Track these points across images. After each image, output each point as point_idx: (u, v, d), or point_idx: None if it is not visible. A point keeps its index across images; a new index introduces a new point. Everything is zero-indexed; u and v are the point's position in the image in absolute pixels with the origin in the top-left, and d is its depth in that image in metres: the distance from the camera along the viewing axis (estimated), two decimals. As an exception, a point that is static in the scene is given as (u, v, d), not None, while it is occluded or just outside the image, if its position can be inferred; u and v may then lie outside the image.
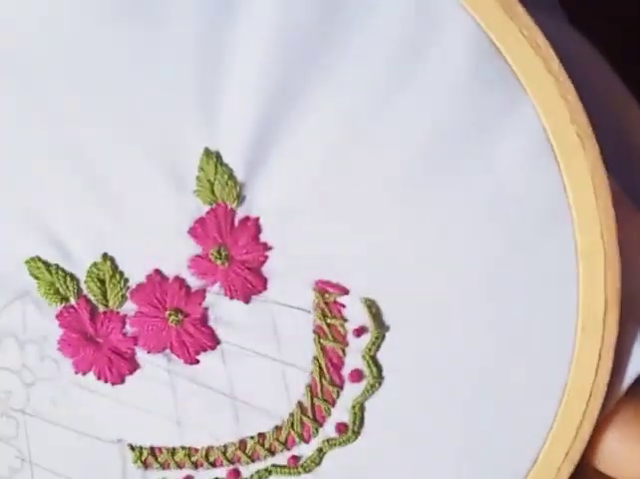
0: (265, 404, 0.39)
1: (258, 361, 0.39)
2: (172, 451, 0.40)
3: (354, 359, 0.38)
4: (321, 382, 0.39)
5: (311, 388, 0.39)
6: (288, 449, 0.39)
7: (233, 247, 0.38)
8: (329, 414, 0.39)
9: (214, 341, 0.39)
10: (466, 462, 0.38)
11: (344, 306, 0.38)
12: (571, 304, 0.37)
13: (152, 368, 0.39)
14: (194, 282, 0.38)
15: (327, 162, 0.37)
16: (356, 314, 0.38)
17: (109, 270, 0.38)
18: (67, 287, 0.39)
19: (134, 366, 0.39)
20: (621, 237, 0.36)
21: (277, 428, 0.39)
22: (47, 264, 0.38)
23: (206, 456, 0.40)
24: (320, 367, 0.39)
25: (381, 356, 0.38)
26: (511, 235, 0.37)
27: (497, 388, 0.38)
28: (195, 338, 0.39)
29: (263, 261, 0.38)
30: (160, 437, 0.40)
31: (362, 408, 0.39)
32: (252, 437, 0.39)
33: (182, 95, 0.36)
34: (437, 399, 0.38)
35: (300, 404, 0.39)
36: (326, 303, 0.38)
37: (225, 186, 0.37)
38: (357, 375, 0.38)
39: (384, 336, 0.38)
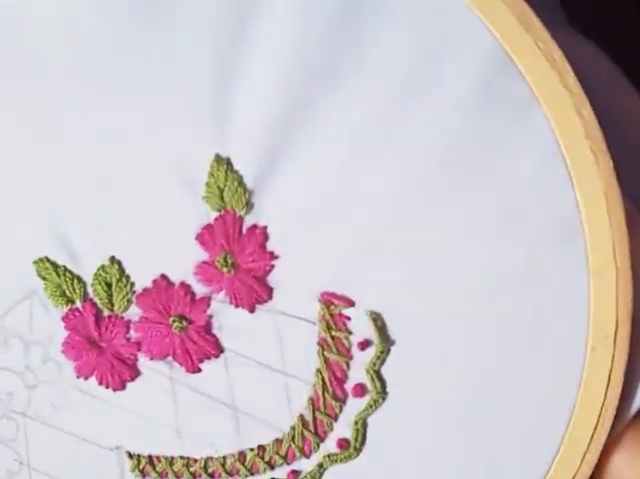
0: (266, 416, 0.38)
1: (261, 371, 0.38)
2: (171, 460, 0.39)
3: (358, 373, 0.38)
4: (324, 396, 0.38)
5: (313, 401, 0.38)
6: (288, 463, 0.39)
7: (240, 255, 0.38)
8: (331, 429, 0.38)
9: (218, 349, 0.38)
10: (468, 481, 0.38)
11: (349, 319, 0.38)
12: (581, 324, 0.36)
13: (153, 375, 0.39)
14: (200, 289, 0.38)
15: (337, 172, 0.37)
16: (361, 327, 0.37)
17: (115, 274, 0.38)
18: (73, 289, 0.38)
19: (135, 373, 0.39)
20: (633, 256, 0.35)
21: (278, 441, 0.39)
22: (55, 266, 0.38)
23: (205, 467, 0.39)
24: (323, 380, 0.38)
25: (385, 371, 0.38)
26: (522, 250, 0.36)
27: (503, 409, 0.37)
28: (199, 346, 0.38)
29: (269, 271, 0.38)
30: (159, 446, 0.39)
31: (364, 424, 0.38)
32: (252, 449, 0.39)
33: (195, 101, 0.36)
34: (440, 418, 0.37)
35: (302, 417, 0.38)
36: (331, 315, 0.38)
37: (235, 193, 0.37)
38: (360, 390, 0.38)
39: (389, 351, 0.37)
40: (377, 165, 0.36)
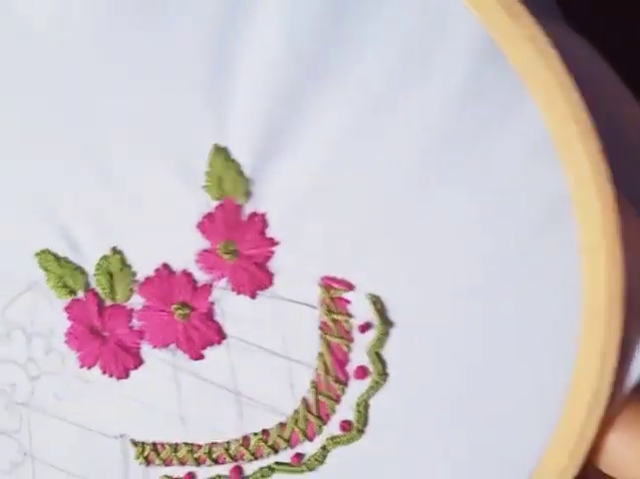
0: (269, 400, 0.39)
1: (263, 357, 0.39)
2: (175, 447, 0.40)
3: (359, 356, 0.39)
4: (326, 379, 0.39)
5: (316, 384, 0.39)
6: (292, 447, 0.39)
7: (241, 243, 0.38)
8: (333, 412, 0.39)
9: (221, 336, 0.39)
10: (470, 460, 0.38)
11: (349, 302, 0.38)
12: (574, 303, 0.37)
13: (156, 363, 0.39)
14: (201, 277, 0.39)
15: (334, 160, 0.37)
16: (361, 310, 0.38)
17: (117, 264, 0.39)
18: (75, 280, 0.39)
19: (139, 361, 0.39)
20: (624, 239, 0.36)
21: (281, 425, 0.39)
22: (57, 257, 0.39)
23: (209, 453, 0.40)
24: (325, 363, 0.39)
25: (385, 353, 0.38)
26: (515, 232, 0.37)
27: (501, 387, 0.38)
28: (202, 332, 0.39)
29: (270, 257, 0.38)
30: (163, 433, 0.40)
31: (366, 406, 0.39)
32: (256, 434, 0.39)
33: (192, 91, 0.37)
34: (440, 397, 0.38)
35: (305, 401, 0.39)
36: (331, 299, 0.38)
37: (234, 181, 0.38)
38: (362, 372, 0.39)
39: (389, 333, 0.38)
40: (372, 151, 0.37)
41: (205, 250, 0.38)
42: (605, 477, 0.39)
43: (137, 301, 0.39)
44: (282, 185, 0.38)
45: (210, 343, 0.39)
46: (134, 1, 0.36)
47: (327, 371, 0.39)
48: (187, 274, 0.39)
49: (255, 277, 0.38)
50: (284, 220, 0.38)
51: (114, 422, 0.40)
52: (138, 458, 0.40)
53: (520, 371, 0.38)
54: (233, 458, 0.40)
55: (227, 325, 0.39)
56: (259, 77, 0.37)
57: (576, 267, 0.37)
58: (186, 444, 0.40)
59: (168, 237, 0.38)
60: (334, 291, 0.38)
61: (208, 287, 0.39)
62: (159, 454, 0.40)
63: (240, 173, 0.38)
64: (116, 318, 0.39)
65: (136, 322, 0.39)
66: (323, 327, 0.39)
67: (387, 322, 0.38)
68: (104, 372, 0.39)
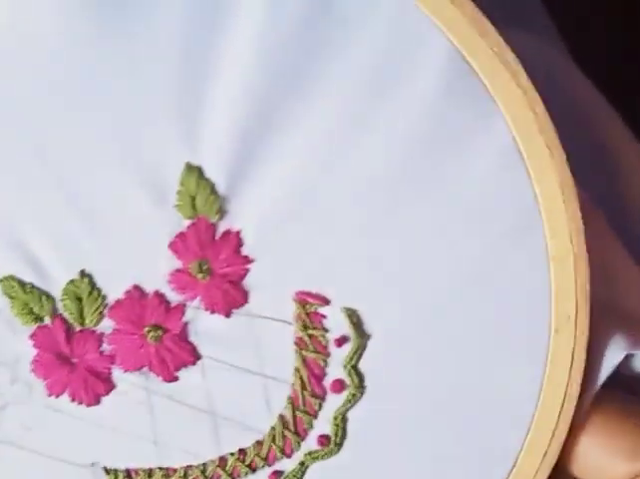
0: (246, 419, 0.39)
1: (239, 375, 0.38)
2: (149, 473, 0.39)
3: (336, 370, 0.39)
4: (302, 394, 0.39)
5: (293, 400, 0.39)
6: (269, 465, 0.39)
7: (214, 261, 0.38)
8: (311, 427, 0.39)
9: (195, 356, 0.38)
10: (447, 468, 0.39)
11: (325, 317, 0.38)
12: (544, 308, 0.38)
13: (128, 387, 0.38)
14: (174, 297, 0.38)
15: (308, 175, 0.37)
16: (337, 324, 0.38)
17: (86, 288, 0.38)
18: (42, 307, 0.38)
19: (110, 386, 0.38)
20: (589, 243, 0.38)
21: (258, 443, 0.39)
22: (21, 283, 0.37)
23: (185, 476, 0.39)
24: (301, 379, 0.39)
25: (362, 366, 0.39)
26: (485, 242, 0.38)
27: (476, 395, 0.39)
28: (175, 354, 0.38)
29: (245, 274, 0.38)
30: (137, 458, 0.39)
31: (344, 419, 0.39)
32: (232, 454, 0.39)
33: (164, 109, 0.37)
34: (418, 407, 0.39)
35: (282, 417, 0.39)
36: (307, 314, 0.38)
37: (207, 200, 0.37)
38: (339, 385, 0.39)
39: (365, 346, 0.39)
40: (346, 166, 0.38)
41: (178, 270, 0.38)
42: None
43: (107, 325, 0.38)
44: (257, 202, 0.37)
45: (184, 365, 0.38)
46: (103, 17, 0.36)
47: (304, 386, 0.39)
48: (160, 295, 0.38)
49: (229, 296, 0.38)
50: (259, 236, 0.38)
51: (85, 450, 0.39)
52: (110, 486, 0.39)
53: (495, 377, 0.39)
54: (210, 480, 0.39)
55: (202, 346, 0.38)
56: (232, 94, 0.36)
57: (546, 273, 0.38)
58: (161, 469, 0.39)
59: (139, 257, 0.38)
60: (309, 306, 0.38)
61: (182, 308, 0.38)
62: (132, 480, 0.39)
63: (214, 191, 0.37)
64: (85, 344, 0.38)
65: (106, 347, 0.38)
66: (299, 343, 0.39)
67: (363, 335, 0.39)
68: (73, 400, 0.38)
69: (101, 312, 0.38)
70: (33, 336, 0.38)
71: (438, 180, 0.38)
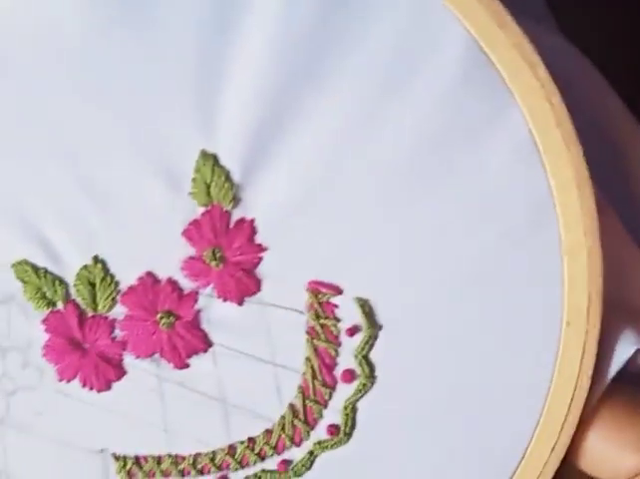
0: (256, 407, 0.39)
1: (250, 363, 0.38)
2: (158, 459, 0.39)
3: (347, 359, 0.39)
4: (313, 383, 0.39)
5: (303, 390, 0.39)
6: (278, 454, 0.39)
7: (228, 249, 0.38)
8: (321, 416, 0.39)
9: (207, 344, 0.38)
10: (455, 459, 0.39)
11: (337, 306, 0.38)
12: (557, 301, 0.38)
13: (139, 374, 0.38)
14: (187, 284, 0.38)
15: (322, 165, 0.37)
16: (349, 314, 0.38)
17: (99, 273, 0.38)
18: (55, 291, 0.38)
19: (121, 372, 0.38)
20: (602, 238, 0.38)
21: (267, 432, 0.39)
22: (35, 268, 0.37)
23: (194, 463, 0.39)
24: (312, 368, 0.39)
25: (373, 356, 0.39)
26: (500, 234, 0.38)
27: (487, 386, 0.39)
28: (187, 341, 0.38)
29: (258, 263, 0.38)
30: (146, 445, 0.39)
31: (354, 409, 0.39)
32: (242, 442, 0.39)
33: (181, 97, 0.37)
34: (428, 397, 0.39)
35: (292, 406, 0.39)
36: (319, 304, 0.38)
37: (222, 187, 0.37)
38: (349, 375, 0.39)
39: (377, 336, 0.39)
40: (360, 156, 0.38)
41: (191, 258, 0.38)
42: (584, 477, 0.40)
43: (119, 311, 0.38)
44: (271, 191, 0.37)
45: (196, 352, 0.38)
46: (122, 12, 0.36)
47: (314, 376, 0.39)
48: (173, 282, 0.38)
49: (242, 284, 0.38)
50: (273, 225, 0.38)
51: (94, 436, 0.39)
52: (119, 472, 0.39)
53: (505, 369, 0.39)
54: (219, 468, 0.39)
55: (213, 333, 0.38)
56: (250, 84, 0.36)
57: (559, 266, 0.38)
58: (170, 456, 0.39)
59: (153, 244, 0.38)
60: (322, 296, 0.38)
61: (194, 295, 0.38)
62: (141, 467, 0.39)
63: (228, 179, 0.37)
64: (97, 329, 0.38)
65: (118, 333, 0.38)
66: (310, 332, 0.39)
67: (375, 325, 0.39)
68: (84, 385, 0.38)
69: (113, 298, 0.38)
70: (45, 321, 0.38)
71: (453, 171, 0.38)
